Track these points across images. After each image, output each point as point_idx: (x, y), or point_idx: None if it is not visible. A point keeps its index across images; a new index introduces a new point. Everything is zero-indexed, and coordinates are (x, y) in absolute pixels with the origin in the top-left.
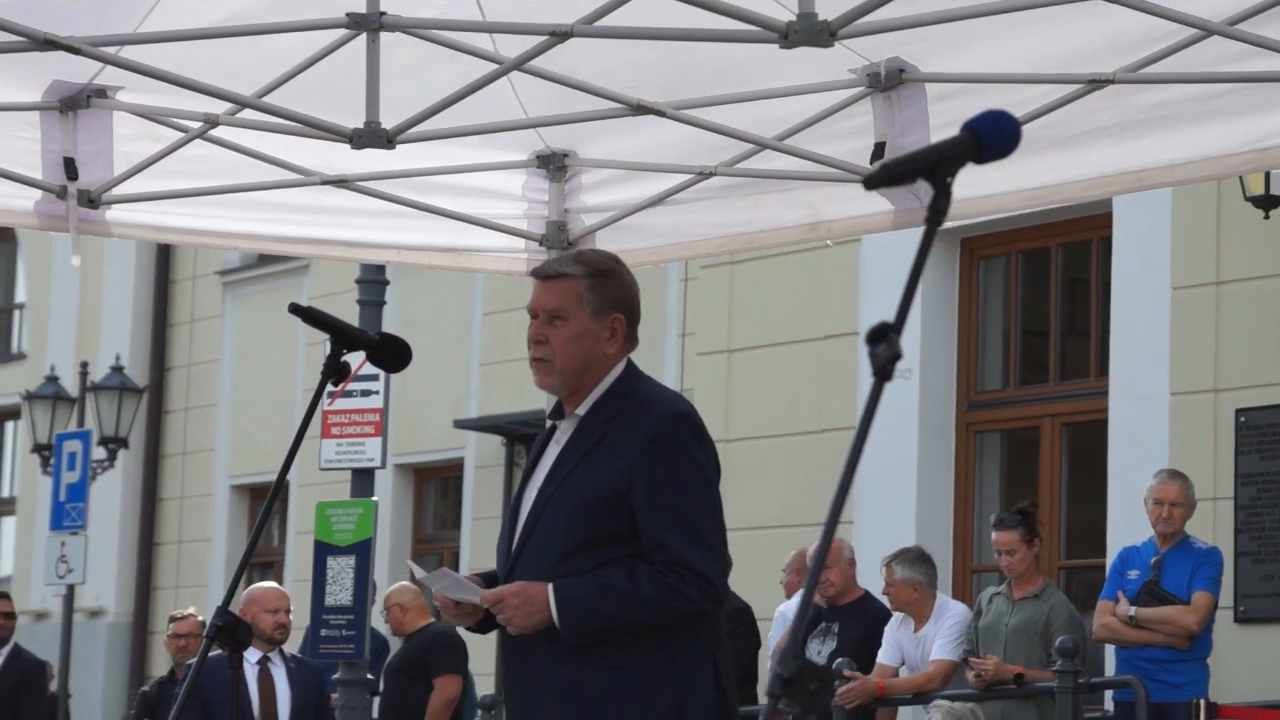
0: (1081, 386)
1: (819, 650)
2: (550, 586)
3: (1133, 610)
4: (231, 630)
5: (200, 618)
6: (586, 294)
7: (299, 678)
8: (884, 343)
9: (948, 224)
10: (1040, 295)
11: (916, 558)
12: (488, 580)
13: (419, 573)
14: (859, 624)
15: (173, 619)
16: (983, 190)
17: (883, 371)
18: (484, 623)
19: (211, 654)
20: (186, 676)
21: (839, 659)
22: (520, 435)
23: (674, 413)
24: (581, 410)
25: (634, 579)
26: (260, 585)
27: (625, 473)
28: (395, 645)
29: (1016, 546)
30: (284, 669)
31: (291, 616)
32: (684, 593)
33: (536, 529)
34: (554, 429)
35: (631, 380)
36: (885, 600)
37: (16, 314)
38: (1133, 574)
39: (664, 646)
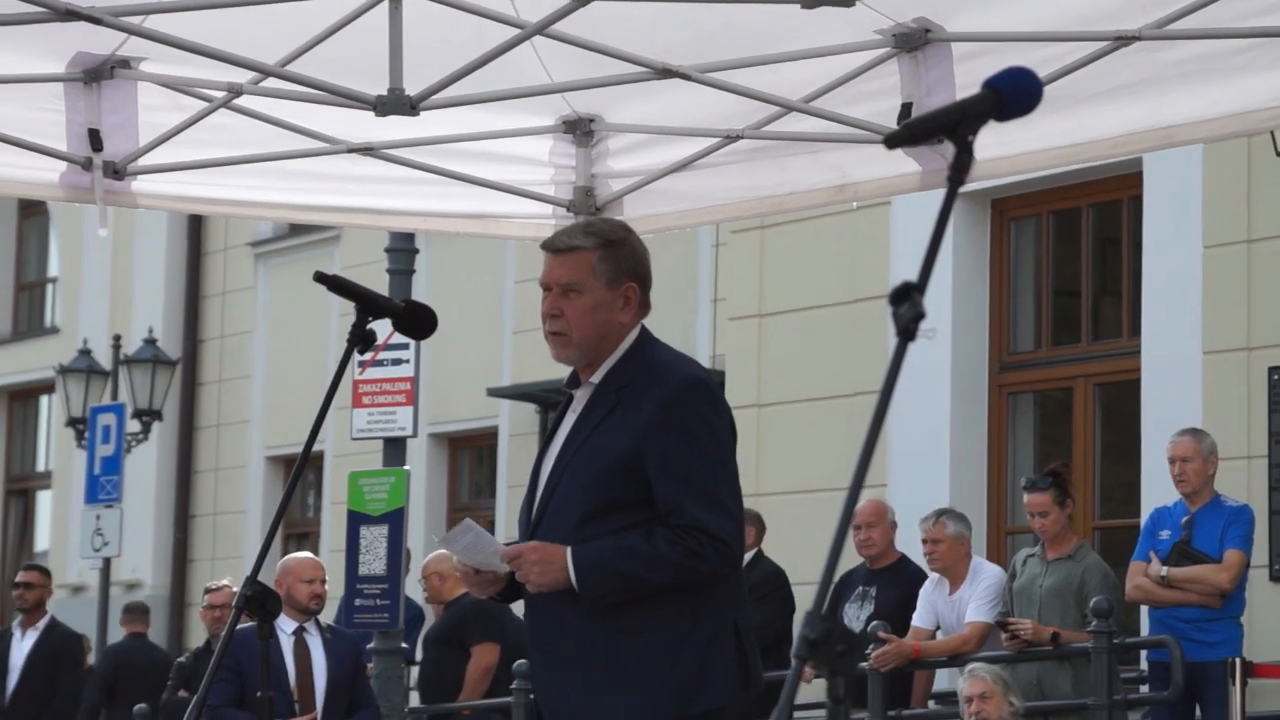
0: (1114, 346)
1: (857, 614)
2: (568, 549)
3: (1164, 570)
4: (261, 600)
5: (235, 589)
6: (599, 265)
7: (335, 648)
8: (907, 302)
9: (978, 185)
10: (1071, 256)
11: (960, 516)
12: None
13: (438, 540)
14: (896, 587)
15: (208, 590)
16: (1010, 149)
17: (906, 331)
18: (508, 591)
19: (246, 625)
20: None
21: (875, 622)
22: (554, 403)
23: (687, 377)
24: (596, 378)
25: (651, 541)
26: (295, 555)
27: (640, 439)
28: (430, 614)
29: (1049, 508)
30: (320, 639)
31: (327, 586)
32: (701, 554)
33: (554, 497)
34: (570, 398)
35: (645, 347)
36: (925, 558)
37: (49, 288)
38: (1164, 534)
39: (684, 609)
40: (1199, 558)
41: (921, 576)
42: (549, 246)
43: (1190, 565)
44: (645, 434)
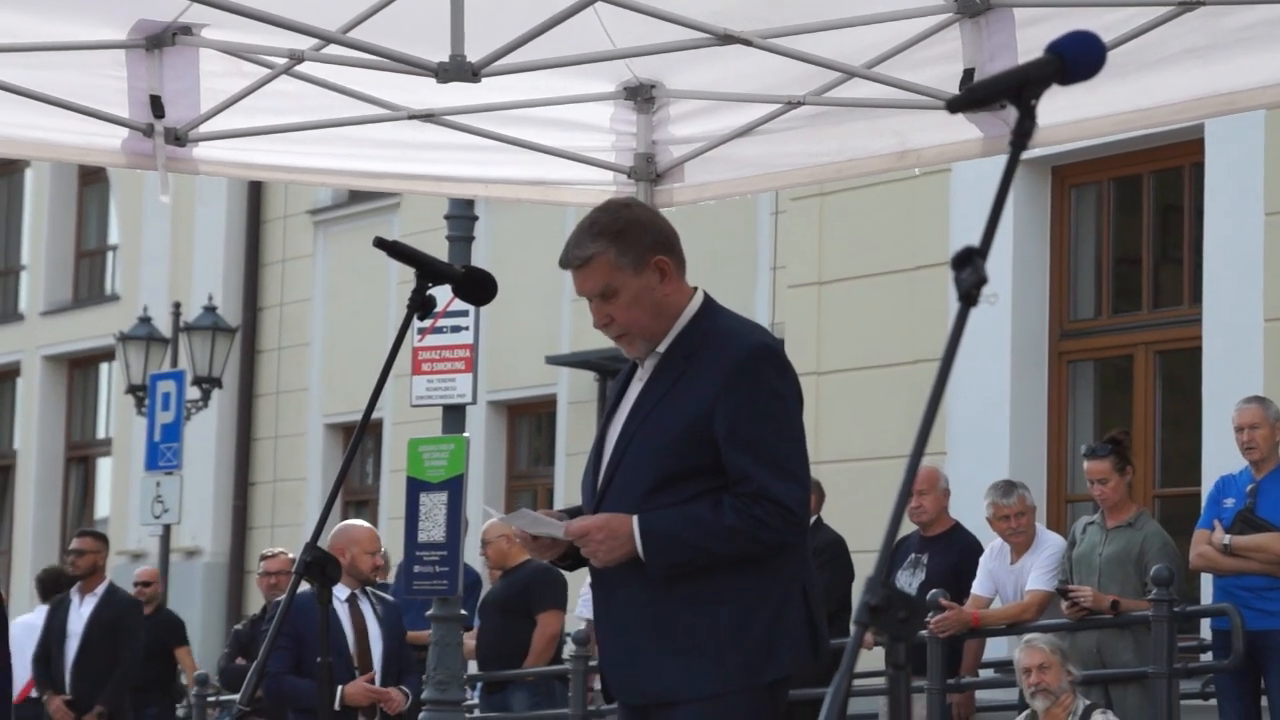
0: (1174, 314)
1: (908, 582)
2: (635, 519)
3: (1228, 538)
4: (321, 566)
5: (291, 555)
6: (619, 260)
7: (386, 614)
8: (969, 267)
9: (1038, 152)
10: (1132, 223)
11: (1025, 488)
12: (571, 516)
13: (494, 514)
14: (948, 555)
15: (263, 557)
16: (1072, 115)
17: (968, 296)
18: (568, 559)
19: (302, 591)
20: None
21: (935, 590)
22: (613, 371)
23: (755, 344)
24: (662, 348)
25: (718, 511)
26: (359, 525)
27: (708, 406)
28: (486, 581)
29: (1108, 475)
30: (370, 605)
31: (380, 558)
32: (768, 523)
33: (622, 465)
34: (634, 366)
35: (711, 314)
36: (1000, 531)
37: (109, 255)
38: (1228, 502)
39: (753, 579)
40: (1263, 526)
41: (975, 545)
42: (565, 265)
43: (1254, 534)
44: (714, 401)
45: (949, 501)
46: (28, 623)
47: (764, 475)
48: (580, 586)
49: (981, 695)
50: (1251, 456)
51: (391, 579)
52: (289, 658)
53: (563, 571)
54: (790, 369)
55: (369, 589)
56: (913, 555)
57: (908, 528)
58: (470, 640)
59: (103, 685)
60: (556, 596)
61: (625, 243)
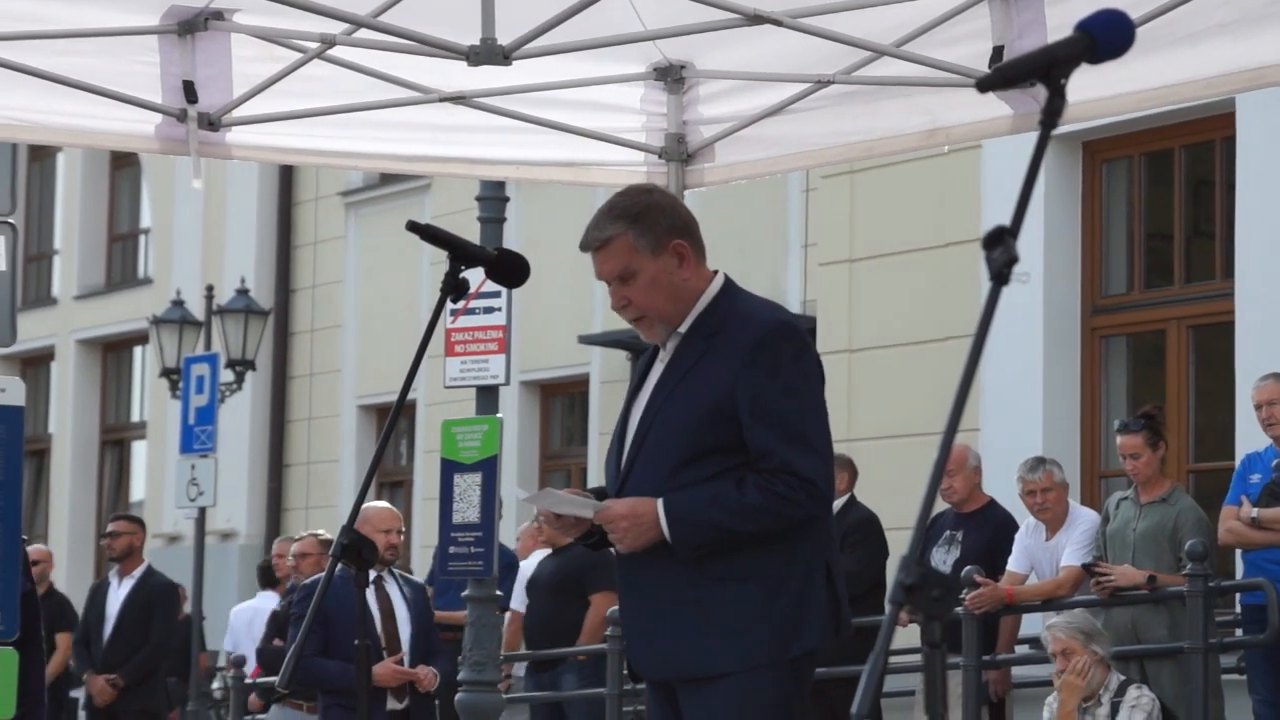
0: (1207, 289)
1: (943, 559)
2: (660, 503)
3: (1255, 512)
4: (357, 549)
5: (322, 535)
6: (637, 242)
7: (412, 595)
8: (1000, 247)
9: (1069, 128)
10: (1164, 197)
11: (1058, 464)
12: (597, 496)
13: (523, 495)
14: (983, 532)
15: (285, 540)
16: (1102, 91)
17: (999, 275)
18: (592, 537)
19: (317, 576)
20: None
21: (966, 566)
22: (644, 350)
23: (774, 321)
24: (683, 328)
25: (742, 489)
26: (373, 504)
27: (730, 384)
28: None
29: (1141, 450)
30: (397, 586)
31: (402, 537)
32: (792, 499)
33: (646, 444)
34: (656, 349)
35: (731, 295)
36: (1029, 507)
37: (142, 239)
38: (1255, 478)
39: (778, 555)
40: None
41: (1010, 521)
42: (584, 247)
43: None
44: (735, 378)
45: (981, 479)
46: (253, 607)
47: (786, 450)
48: None
49: (1017, 671)
50: (1274, 432)
51: (414, 560)
52: (317, 639)
53: None
54: (810, 345)
55: (395, 570)
56: (948, 532)
57: (941, 505)
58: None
59: (130, 664)
60: (611, 578)
61: (644, 226)
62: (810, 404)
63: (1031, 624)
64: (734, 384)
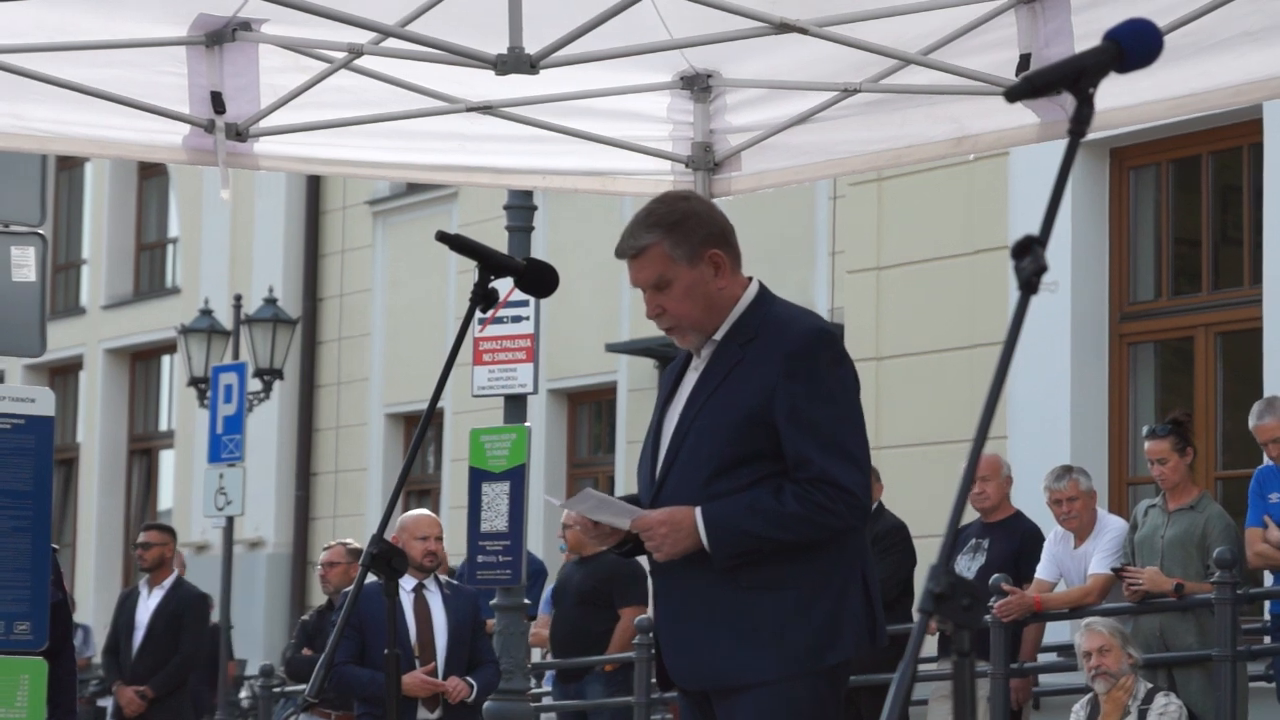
0: (1235, 295)
1: (968, 567)
2: (698, 511)
3: None
4: (387, 558)
5: (350, 544)
6: (674, 251)
7: (454, 604)
8: (1029, 256)
9: (1097, 135)
10: (1191, 204)
11: (1085, 472)
12: (635, 503)
13: (556, 502)
14: (1009, 541)
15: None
16: (1130, 100)
17: (1028, 285)
18: (626, 544)
19: (370, 581)
20: (342, 605)
21: (997, 575)
22: (672, 358)
23: (812, 329)
24: (719, 336)
25: (780, 498)
26: (411, 513)
27: (767, 391)
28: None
29: (1168, 455)
30: (439, 595)
31: (443, 544)
32: (830, 509)
33: (681, 452)
34: (689, 355)
35: (766, 303)
36: (1056, 516)
37: (170, 248)
38: (1274, 497)
39: (814, 564)
40: None
41: (1036, 532)
42: (620, 254)
43: None
44: (772, 386)
45: (1011, 488)
46: None
47: (824, 459)
48: None
49: (1045, 679)
50: None
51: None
52: (352, 647)
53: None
54: (847, 354)
55: (440, 577)
56: (974, 540)
57: (969, 515)
58: (537, 629)
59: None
60: (640, 591)
61: (680, 235)
62: (848, 413)
63: (1056, 632)
64: (772, 391)
